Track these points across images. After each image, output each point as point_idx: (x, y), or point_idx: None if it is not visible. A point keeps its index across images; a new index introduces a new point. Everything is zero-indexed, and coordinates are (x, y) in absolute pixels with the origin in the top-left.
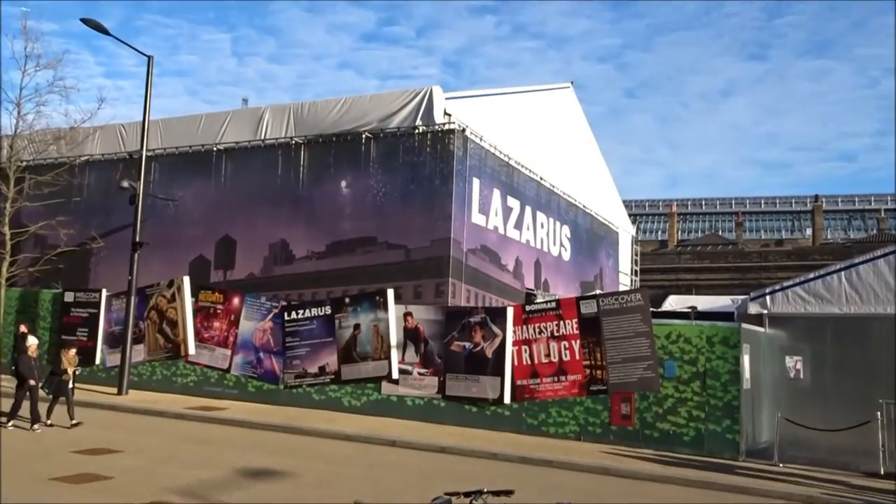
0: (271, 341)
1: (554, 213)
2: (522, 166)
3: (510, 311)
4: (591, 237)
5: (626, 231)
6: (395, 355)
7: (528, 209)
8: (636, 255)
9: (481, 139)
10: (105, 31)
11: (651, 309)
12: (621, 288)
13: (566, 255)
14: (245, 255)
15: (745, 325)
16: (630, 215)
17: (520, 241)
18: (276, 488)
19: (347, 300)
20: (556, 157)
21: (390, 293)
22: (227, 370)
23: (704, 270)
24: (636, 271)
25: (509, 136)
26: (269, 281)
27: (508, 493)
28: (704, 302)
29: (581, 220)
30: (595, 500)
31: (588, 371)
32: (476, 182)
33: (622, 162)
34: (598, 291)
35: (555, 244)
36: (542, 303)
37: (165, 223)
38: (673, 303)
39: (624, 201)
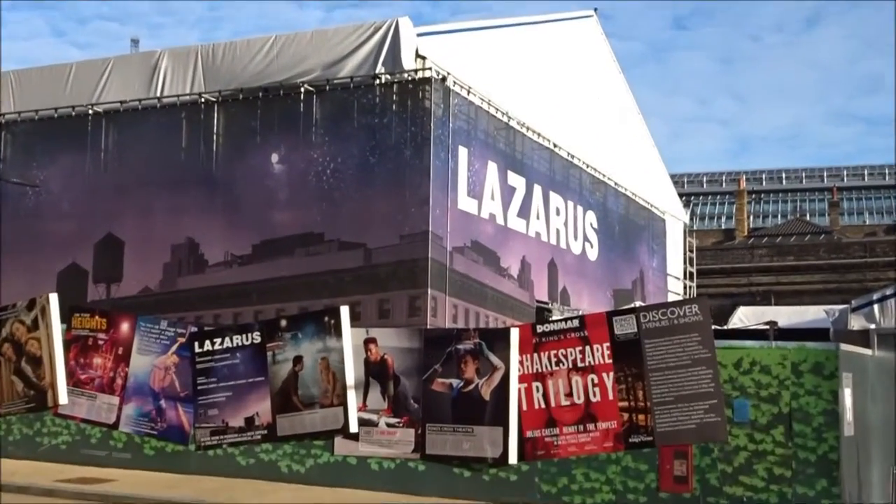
0: (177, 384)
1: (574, 195)
2: (529, 129)
3: (515, 335)
4: (627, 227)
5: (676, 218)
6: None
7: (537, 189)
8: (691, 250)
9: (469, 91)
10: None
11: (714, 326)
12: (671, 298)
13: (592, 253)
14: (137, 263)
15: (844, 347)
16: (681, 195)
17: (527, 233)
18: None
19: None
20: (576, 116)
21: (344, 312)
22: (115, 426)
23: (787, 271)
24: (691, 274)
25: (510, 88)
26: (171, 298)
27: None
28: (788, 314)
29: (613, 203)
30: None
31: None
32: (463, 152)
33: (669, 120)
34: (637, 303)
35: (576, 238)
36: (560, 321)
37: (21, 219)
38: (744, 317)
39: (673, 176)
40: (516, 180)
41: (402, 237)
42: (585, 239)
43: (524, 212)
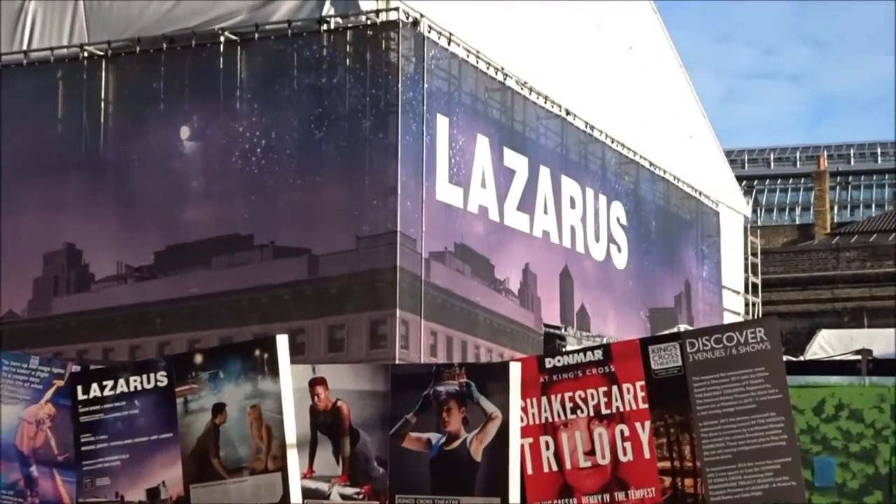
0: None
1: (595, 180)
2: (532, 90)
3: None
4: (667, 223)
5: (733, 210)
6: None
7: (544, 173)
8: (754, 254)
9: (451, 40)
10: None
11: (786, 357)
12: (727, 318)
13: (620, 260)
14: None
15: None
16: (740, 179)
17: (530, 233)
18: None
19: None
20: (596, 74)
21: (282, 344)
22: None
23: (885, 280)
24: (755, 286)
25: (506, 35)
26: (45, 326)
27: None
28: (886, 340)
29: (648, 190)
30: None
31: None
32: (443, 123)
33: (723, 75)
34: (682, 327)
35: (598, 239)
36: (578, 352)
37: None
38: (827, 343)
39: (728, 153)
40: (516, 160)
41: (359, 240)
42: (611, 240)
43: (527, 203)
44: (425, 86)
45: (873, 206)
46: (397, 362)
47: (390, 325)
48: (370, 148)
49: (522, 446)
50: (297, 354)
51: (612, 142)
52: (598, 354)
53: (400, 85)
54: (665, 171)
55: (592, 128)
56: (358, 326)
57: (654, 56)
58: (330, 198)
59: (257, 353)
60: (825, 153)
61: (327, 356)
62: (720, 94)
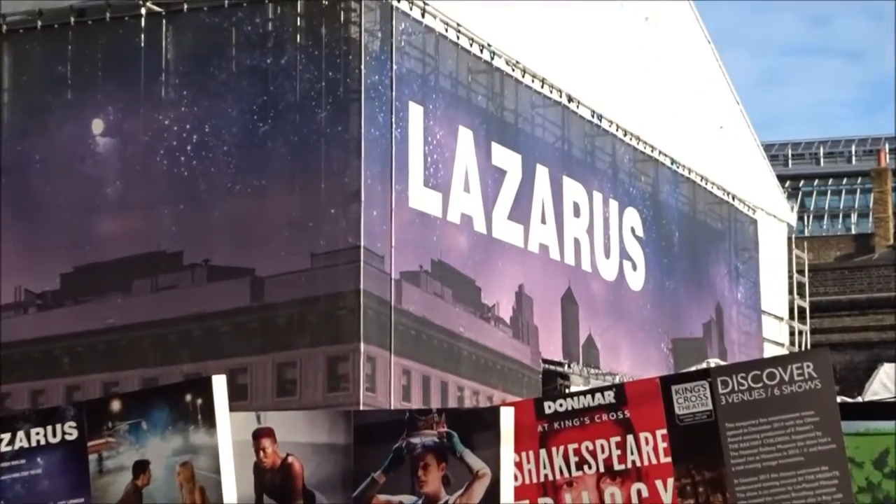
0: None
1: (604, 181)
2: (526, 72)
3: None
4: (693, 234)
5: (774, 217)
6: None
7: (541, 173)
8: (801, 271)
9: (425, 10)
10: None
11: (840, 398)
12: (768, 351)
13: (636, 280)
14: None
15: None
16: (784, 180)
17: (525, 247)
18: None
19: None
20: (605, 52)
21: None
22: None
23: None
24: (801, 310)
25: (492, 6)
26: None
27: None
28: None
29: (670, 194)
30: None
31: None
32: (417, 113)
33: (762, 52)
34: (713, 362)
35: (608, 254)
36: (584, 393)
37: None
38: (890, 380)
39: (768, 147)
40: (507, 158)
41: (315, 257)
42: (624, 255)
43: (520, 211)
44: (394, 67)
45: None
46: (361, 408)
47: (353, 362)
48: (327, 144)
49: None
50: (238, 399)
51: (625, 135)
52: (610, 397)
53: (363, 66)
54: (690, 171)
55: (601, 118)
56: (313, 364)
57: (675, 30)
58: (278, 206)
59: (188, 398)
60: (886, 147)
61: (275, 401)
62: (757, 76)
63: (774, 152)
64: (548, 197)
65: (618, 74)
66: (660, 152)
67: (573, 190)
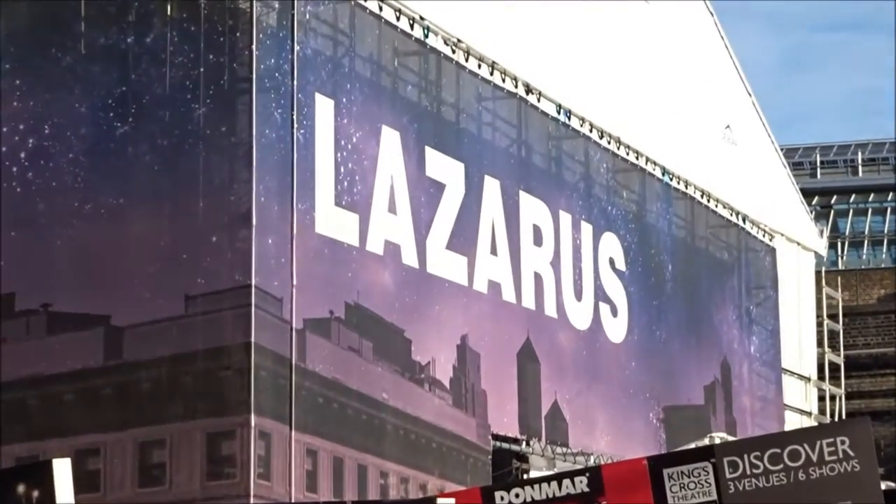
0: None
1: (575, 199)
2: (469, 53)
3: None
4: (690, 265)
5: (798, 244)
6: None
7: (491, 187)
8: (833, 315)
9: None
10: None
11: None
12: (790, 423)
13: (616, 327)
14: None
15: None
16: (810, 194)
17: (469, 286)
18: None
19: None
20: (573, 31)
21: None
22: None
23: None
24: (835, 367)
25: None
26: None
27: None
28: None
29: (660, 215)
30: None
31: None
32: (326, 107)
33: (782, 30)
34: (717, 437)
35: (579, 295)
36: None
37: None
38: None
39: (789, 152)
40: (446, 168)
41: (190, 300)
42: (601, 296)
43: (464, 238)
44: (296, 48)
45: None
46: (252, 502)
47: (241, 439)
48: (207, 150)
49: None
50: (88, 490)
51: (602, 136)
52: (583, 484)
53: (255, 47)
54: (688, 184)
55: (569, 114)
56: (188, 443)
57: (669, 2)
58: (141, 232)
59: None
60: None
61: (138, 493)
62: (778, 58)
63: (799, 159)
64: (500, 219)
65: (591, 58)
66: (647, 160)
67: (533, 209)
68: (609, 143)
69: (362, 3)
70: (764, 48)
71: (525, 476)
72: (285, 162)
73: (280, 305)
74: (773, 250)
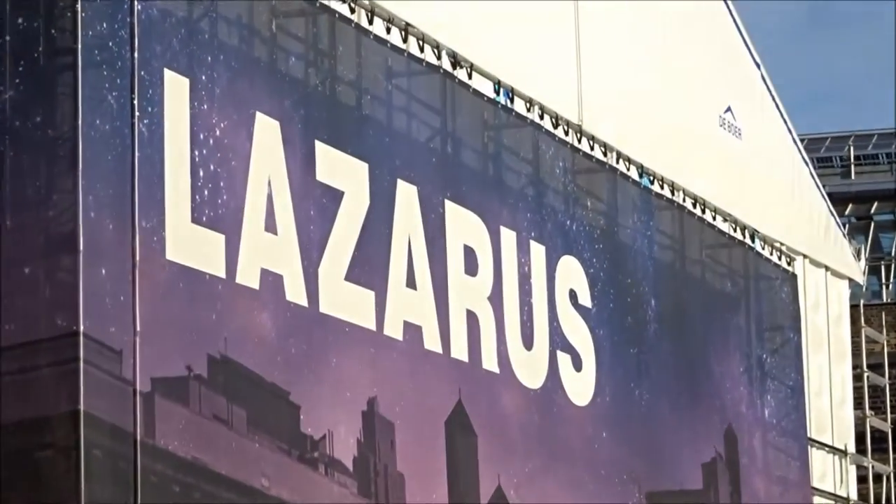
0: None
1: (521, 209)
2: (372, 11)
3: None
4: (682, 300)
5: (827, 268)
6: None
7: (407, 194)
8: (874, 365)
9: None
10: None
11: None
12: None
13: (581, 385)
14: None
15: None
16: (842, 201)
17: (378, 330)
18: None
19: None
20: None
21: None
22: None
23: None
24: (879, 436)
25: None
26: None
27: None
28: None
29: (639, 230)
30: None
31: None
32: (178, 88)
33: None
34: None
35: (529, 342)
36: None
37: None
38: None
39: (816, 145)
40: (343, 169)
41: None
42: (558, 342)
43: (369, 266)
44: (137, 7)
45: None
46: None
47: None
48: (14, 148)
49: None
50: None
51: (558, 124)
52: None
53: (79, 7)
54: (675, 188)
55: (512, 95)
56: None
57: None
58: None
59: None
60: None
61: None
62: (800, 17)
63: (827, 152)
64: (419, 239)
65: (542, 18)
66: (619, 156)
67: (464, 226)
68: (567, 133)
69: None
70: (780, 8)
71: None
72: (123, 164)
73: (119, 360)
74: (793, 278)
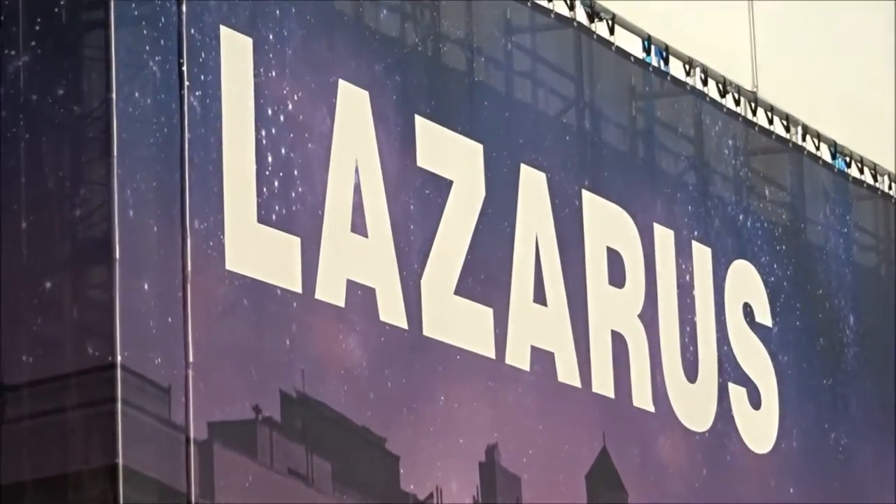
0: None
1: (681, 201)
2: None
3: None
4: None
5: None
6: None
7: (533, 183)
8: None
9: None
10: None
11: None
12: None
13: (761, 428)
14: None
15: None
16: None
17: (500, 359)
18: None
19: None
20: None
21: None
22: None
23: None
24: None
25: None
26: None
27: None
28: None
29: (835, 226)
30: None
31: None
32: (240, 50)
33: None
34: None
35: (695, 372)
36: None
37: None
38: None
39: None
40: (451, 151)
41: (9, 393)
42: (731, 373)
43: (486, 275)
44: None
45: None
46: None
47: None
48: (28, 128)
49: None
50: None
51: (727, 90)
52: None
53: None
54: (881, 173)
55: (666, 53)
56: None
57: None
58: None
59: None
60: None
61: None
62: None
63: None
64: (548, 240)
65: None
66: (807, 131)
67: (606, 222)
68: (738, 102)
69: None
70: None
71: None
72: (170, 148)
73: (167, 399)
74: None
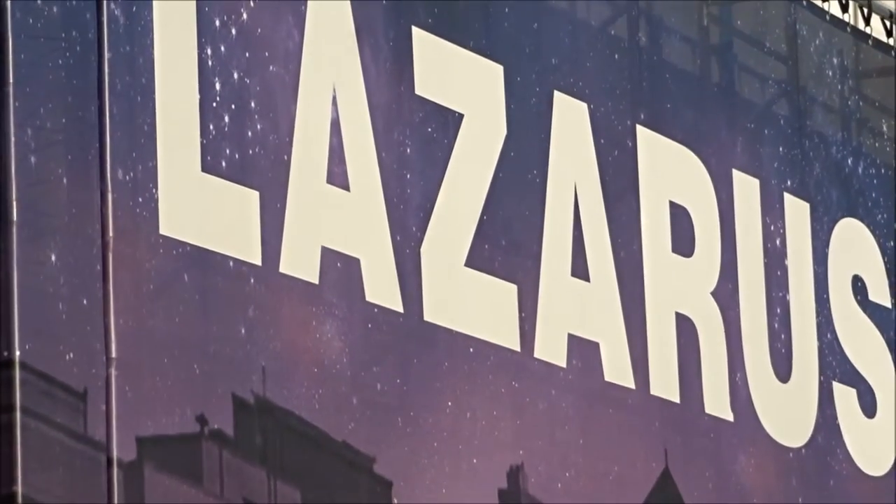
0: None
1: (769, 139)
2: None
3: None
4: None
5: None
6: None
7: (571, 115)
8: None
9: None
10: None
11: None
12: None
13: (875, 442)
14: None
15: None
16: None
17: (527, 352)
18: None
19: None
20: None
21: None
22: None
23: None
24: None
25: None
26: None
27: None
28: None
29: None
30: None
31: None
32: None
33: None
34: None
35: (788, 368)
36: None
37: None
38: None
39: None
40: (460, 75)
41: None
42: (835, 370)
43: (507, 241)
44: None
45: None
46: None
47: None
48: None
49: None
50: None
51: None
52: None
53: None
54: None
55: None
56: None
57: None
58: None
59: None
60: None
61: None
62: None
63: None
64: (592, 191)
65: None
66: None
67: (669, 167)
68: (846, 7)
69: None
70: None
71: None
72: (83, 76)
73: (82, 407)
74: None
